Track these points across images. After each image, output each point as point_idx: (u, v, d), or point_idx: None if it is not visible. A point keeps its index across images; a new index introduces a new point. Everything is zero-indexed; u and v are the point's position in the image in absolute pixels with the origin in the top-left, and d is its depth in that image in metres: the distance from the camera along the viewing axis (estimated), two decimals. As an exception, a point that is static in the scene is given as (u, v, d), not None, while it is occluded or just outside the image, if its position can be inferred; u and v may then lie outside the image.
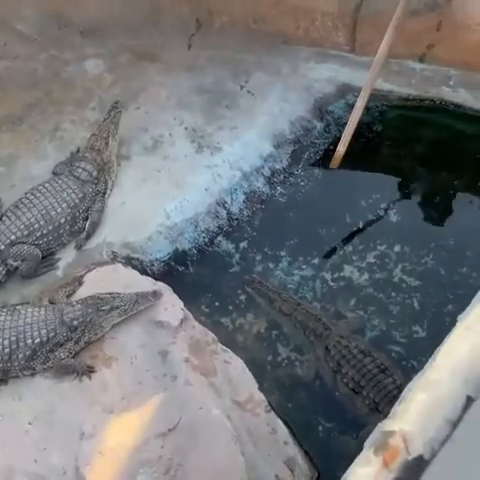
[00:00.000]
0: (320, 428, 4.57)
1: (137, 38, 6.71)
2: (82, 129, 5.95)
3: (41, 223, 4.96)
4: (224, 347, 4.63)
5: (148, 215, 5.35)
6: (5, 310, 4.44)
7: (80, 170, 5.31)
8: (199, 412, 4.15)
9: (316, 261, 5.42)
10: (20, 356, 4.29)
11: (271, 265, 5.42)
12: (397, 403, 2.41)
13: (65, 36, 6.74)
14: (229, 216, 5.63)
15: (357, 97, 5.73)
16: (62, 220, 5.04)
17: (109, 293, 4.54)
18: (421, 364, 2.46)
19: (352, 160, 5.93)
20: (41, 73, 6.49)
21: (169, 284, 4.87)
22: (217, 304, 5.20)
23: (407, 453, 2.10)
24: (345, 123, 5.86)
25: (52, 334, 4.35)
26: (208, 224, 5.52)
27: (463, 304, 2.70)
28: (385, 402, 4.32)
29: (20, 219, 4.94)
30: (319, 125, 6.27)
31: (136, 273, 4.97)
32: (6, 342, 4.28)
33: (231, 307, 5.19)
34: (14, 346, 4.28)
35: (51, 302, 4.62)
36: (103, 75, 6.49)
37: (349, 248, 5.50)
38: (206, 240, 5.49)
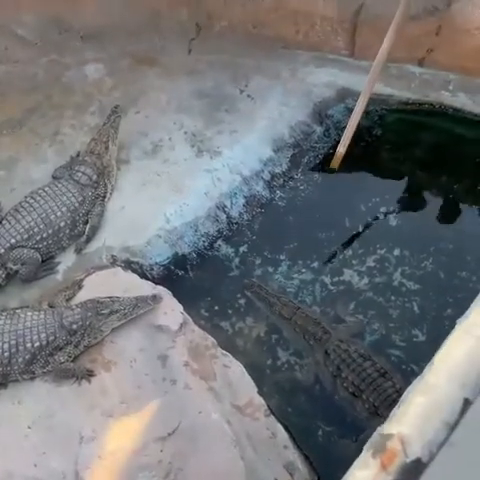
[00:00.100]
0: (320, 432, 4.57)
1: (137, 43, 6.72)
2: (82, 133, 5.97)
3: (41, 227, 4.96)
4: (224, 351, 4.62)
5: (148, 219, 5.35)
6: (5, 314, 4.44)
7: (80, 174, 5.32)
8: (199, 416, 4.15)
9: (316, 265, 5.42)
10: (20, 360, 4.29)
11: (271, 269, 5.42)
12: (396, 406, 2.42)
13: (65, 41, 6.74)
14: (229, 220, 5.63)
15: (356, 101, 5.73)
16: (62, 224, 5.05)
17: (109, 297, 4.54)
18: (421, 368, 2.45)
19: (352, 164, 5.96)
20: (41, 77, 6.51)
21: (169, 288, 4.87)
22: (217, 308, 5.19)
23: (405, 456, 2.10)
24: (344, 127, 5.88)
25: (52, 338, 4.35)
26: (208, 228, 5.52)
27: (462, 308, 2.69)
28: (385, 406, 4.31)
29: (20, 223, 4.94)
30: (319, 129, 6.28)
31: (136, 277, 4.98)
32: (6, 346, 4.28)
33: (231, 311, 5.19)
34: (14, 350, 4.28)
35: (51, 306, 4.63)
36: (103, 79, 6.51)
37: (349, 252, 5.50)
38: (206, 244, 5.49)
